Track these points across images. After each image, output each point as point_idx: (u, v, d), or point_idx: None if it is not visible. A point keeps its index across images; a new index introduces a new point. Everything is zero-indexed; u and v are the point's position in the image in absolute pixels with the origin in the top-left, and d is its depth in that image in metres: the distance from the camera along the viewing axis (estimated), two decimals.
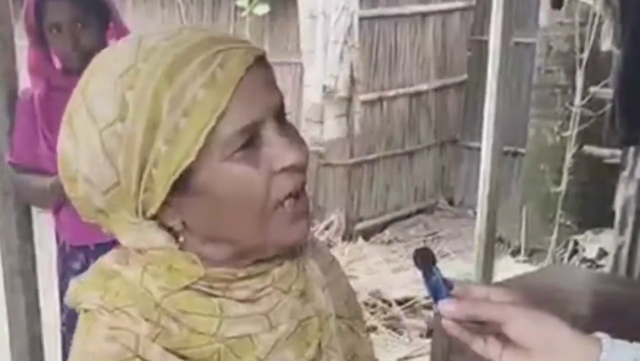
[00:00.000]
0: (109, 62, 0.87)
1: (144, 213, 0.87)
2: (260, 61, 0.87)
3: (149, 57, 0.84)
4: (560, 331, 0.82)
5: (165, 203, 0.87)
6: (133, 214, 0.87)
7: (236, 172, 0.85)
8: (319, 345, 0.94)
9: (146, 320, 0.87)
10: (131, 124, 0.82)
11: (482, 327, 0.85)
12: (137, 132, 0.82)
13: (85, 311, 0.90)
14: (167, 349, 0.86)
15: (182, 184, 0.85)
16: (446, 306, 0.85)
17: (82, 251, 2.39)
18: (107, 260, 0.94)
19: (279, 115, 0.88)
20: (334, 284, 1.02)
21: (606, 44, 3.51)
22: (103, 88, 0.85)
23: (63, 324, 2.47)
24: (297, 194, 0.89)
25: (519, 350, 0.83)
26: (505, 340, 0.84)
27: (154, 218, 0.88)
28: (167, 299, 0.88)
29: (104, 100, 0.84)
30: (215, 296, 0.89)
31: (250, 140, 0.85)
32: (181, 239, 0.89)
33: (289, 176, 0.87)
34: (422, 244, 5.63)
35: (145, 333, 0.86)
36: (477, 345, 0.86)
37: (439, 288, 0.87)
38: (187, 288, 0.89)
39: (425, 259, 0.89)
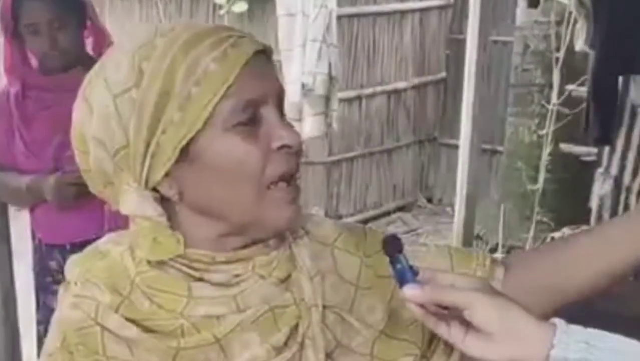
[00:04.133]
0: (126, 42, 0.95)
1: (146, 181, 0.92)
2: (266, 52, 0.95)
3: (166, 35, 0.91)
4: (520, 316, 0.86)
5: (166, 173, 0.92)
6: (136, 179, 0.92)
7: (234, 144, 0.90)
8: (295, 332, 0.95)
9: (114, 292, 0.93)
10: (145, 91, 0.89)
11: (446, 312, 0.88)
12: (150, 98, 0.89)
13: (67, 283, 0.97)
14: (129, 319, 0.91)
15: (184, 152, 0.90)
16: (410, 291, 0.89)
17: (58, 250, 2.38)
18: (103, 241, 1.01)
19: (279, 103, 0.95)
20: (327, 272, 1.01)
21: (579, 44, 3.55)
22: (120, 60, 0.92)
23: (39, 322, 2.47)
24: (289, 180, 0.94)
25: (480, 334, 0.86)
26: (468, 324, 0.87)
27: (153, 189, 0.93)
28: (139, 277, 0.93)
29: (120, 70, 0.91)
30: (192, 277, 0.93)
31: (252, 117, 0.91)
32: (177, 208, 0.93)
33: (284, 155, 0.92)
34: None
35: (107, 302, 0.92)
36: (441, 329, 0.89)
37: (404, 274, 0.90)
38: (166, 266, 0.93)
39: (392, 247, 0.92)
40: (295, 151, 0.93)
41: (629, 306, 2.40)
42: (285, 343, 0.94)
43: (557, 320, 0.86)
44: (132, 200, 0.92)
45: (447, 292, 0.88)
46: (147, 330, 0.91)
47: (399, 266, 0.90)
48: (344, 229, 1.06)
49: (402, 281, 0.90)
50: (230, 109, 0.89)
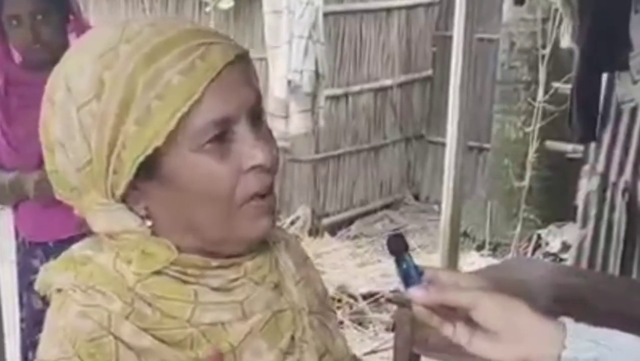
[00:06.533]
0: (92, 41, 0.89)
1: (113, 195, 0.88)
2: (241, 58, 0.89)
3: (131, 40, 0.85)
4: (527, 315, 0.84)
5: (133, 187, 0.88)
6: (103, 195, 0.88)
7: (203, 165, 0.86)
8: (293, 337, 0.95)
9: (120, 299, 0.88)
10: (105, 104, 0.84)
11: (452, 312, 0.87)
12: (110, 111, 0.84)
13: (58, 291, 0.90)
14: (140, 328, 0.87)
15: (150, 169, 0.86)
16: (416, 292, 0.87)
17: (41, 248, 2.36)
18: (79, 247, 0.95)
19: (254, 114, 0.89)
20: (307, 281, 1.03)
21: (565, 41, 3.55)
22: (83, 66, 0.86)
23: (22, 320, 2.45)
24: (263, 194, 0.89)
25: (487, 334, 0.85)
26: (474, 324, 0.85)
27: (123, 201, 0.89)
28: (140, 283, 0.89)
29: (82, 77, 0.86)
30: (189, 283, 0.90)
31: (222, 135, 0.86)
32: (148, 223, 0.90)
33: (256, 175, 0.88)
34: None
35: (118, 311, 0.87)
36: (447, 329, 0.88)
37: (409, 275, 0.88)
38: (160, 273, 0.89)
39: (397, 246, 0.90)
40: (268, 169, 0.88)
41: (626, 304, 2.41)
42: (287, 350, 0.94)
43: (566, 319, 0.85)
44: (105, 218, 0.89)
45: (452, 293, 0.86)
46: (158, 339, 0.87)
47: (404, 266, 0.89)
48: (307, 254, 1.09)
49: (407, 281, 0.88)
50: (197, 128, 0.84)
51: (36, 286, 0.94)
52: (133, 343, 0.86)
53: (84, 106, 0.85)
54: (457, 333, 0.87)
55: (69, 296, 0.89)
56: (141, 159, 0.85)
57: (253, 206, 0.89)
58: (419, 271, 0.88)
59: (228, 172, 0.86)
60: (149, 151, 0.84)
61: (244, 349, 0.90)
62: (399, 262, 0.89)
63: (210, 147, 0.85)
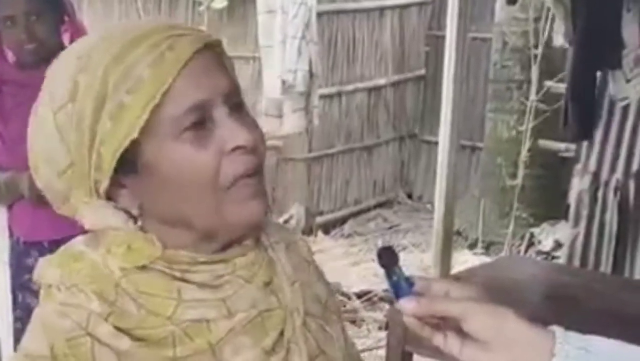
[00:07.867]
0: (73, 46, 0.92)
1: (97, 193, 0.89)
2: (214, 47, 0.91)
3: (103, 41, 0.88)
4: (516, 324, 0.85)
5: (121, 185, 0.89)
6: (86, 194, 0.90)
7: (182, 152, 0.87)
8: (281, 336, 0.95)
9: (101, 298, 0.89)
10: (80, 104, 0.86)
11: (443, 321, 0.87)
12: (85, 111, 0.86)
13: (48, 286, 0.92)
14: (119, 328, 0.88)
15: (132, 163, 0.87)
16: (406, 304, 0.87)
17: (35, 248, 2.37)
18: (77, 242, 0.96)
19: (231, 101, 0.90)
20: (306, 285, 1.02)
21: (558, 40, 3.57)
22: (61, 70, 0.89)
23: (17, 319, 2.45)
24: (250, 175, 0.90)
25: (478, 344, 0.85)
26: (464, 333, 0.86)
27: (109, 200, 0.90)
28: (126, 278, 0.90)
29: (59, 82, 0.88)
30: (176, 278, 0.91)
31: (201, 121, 0.87)
32: (139, 223, 0.91)
33: (238, 157, 0.88)
34: (381, 239, 5.68)
35: (97, 311, 0.88)
36: (438, 339, 0.88)
37: (400, 287, 0.89)
38: (147, 268, 0.90)
39: (387, 259, 0.91)
40: (251, 149, 0.89)
41: (618, 302, 2.43)
42: (273, 348, 0.93)
43: (555, 327, 0.86)
44: (92, 215, 0.90)
45: (442, 304, 0.87)
46: (137, 339, 0.88)
47: (394, 278, 0.90)
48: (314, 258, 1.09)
49: (397, 293, 0.89)
50: (173, 116, 0.86)
51: (34, 276, 0.96)
52: (111, 343, 0.87)
53: (60, 109, 0.87)
54: (448, 343, 0.87)
55: (53, 294, 0.91)
56: (119, 153, 0.86)
57: (241, 187, 0.89)
58: (410, 282, 0.89)
59: (208, 157, 0.87)
60: (126, 144, 0.86)
61: (224, 346, 0.90)
62: (389, 274, 0.90)
63: (189, 135, 0.86)
